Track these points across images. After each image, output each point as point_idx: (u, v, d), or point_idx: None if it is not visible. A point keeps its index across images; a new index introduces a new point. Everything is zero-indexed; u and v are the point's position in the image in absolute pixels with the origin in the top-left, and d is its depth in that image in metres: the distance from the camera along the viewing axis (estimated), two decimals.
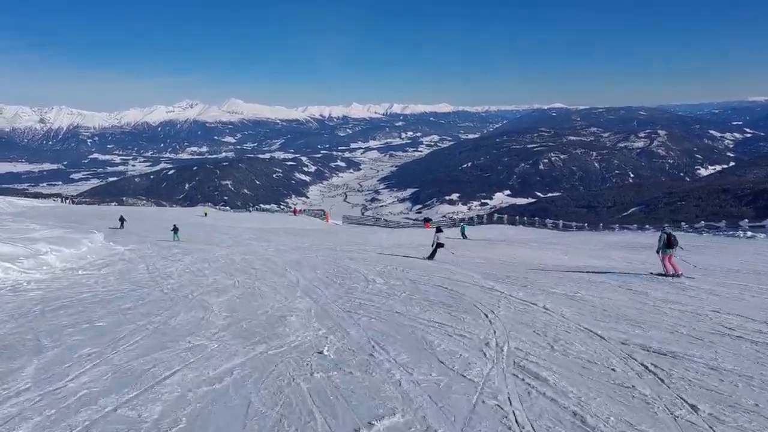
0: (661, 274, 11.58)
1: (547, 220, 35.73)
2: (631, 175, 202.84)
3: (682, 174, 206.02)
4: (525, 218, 35.58)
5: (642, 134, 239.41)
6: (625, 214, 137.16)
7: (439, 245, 16.69)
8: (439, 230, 18.15)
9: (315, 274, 11.96)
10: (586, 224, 34.21)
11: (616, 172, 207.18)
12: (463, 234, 30.78)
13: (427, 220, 44.42)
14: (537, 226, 34.69)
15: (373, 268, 12.86)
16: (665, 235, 11.84)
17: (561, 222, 34.88)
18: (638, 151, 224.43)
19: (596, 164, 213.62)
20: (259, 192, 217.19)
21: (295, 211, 71.60)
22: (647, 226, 30.74)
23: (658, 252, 11.92)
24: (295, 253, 17.76)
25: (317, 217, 54.59)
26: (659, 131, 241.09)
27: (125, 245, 20.61)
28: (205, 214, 64.41)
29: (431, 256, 16.52)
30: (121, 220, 37.80)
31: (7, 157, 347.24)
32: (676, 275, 11.28)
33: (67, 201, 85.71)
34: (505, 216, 37.66)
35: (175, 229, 27.24)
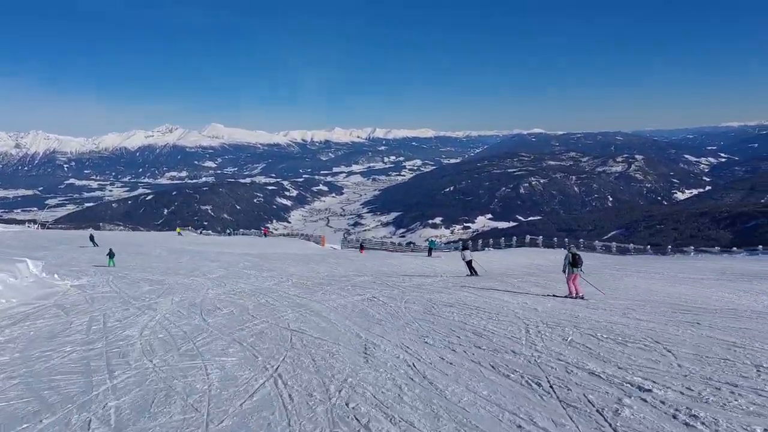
0: (565, 296, 11.10)
1: (596, 242, 29.85)
2: (610, 199, 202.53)
3: (659, 198, 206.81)
4: (565, 239, 29.63)
5: (620, 159, 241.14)
6: (606, 237, 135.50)
7: (469, 262, 17.11)
8: (465, 247, 18.84)
9: (438, 355, 5.63)
10: (648, 246, 28.58)
11: (596, 195, 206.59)
12: (430, 251, 30.15)
13: (362, 247, 39.31)
14: (582, 249, 28.50)
15: (543, 335, 6.65)
16: (570, 255, 11.59)
17: (614, 244, 29.03)
18: (616, 175, 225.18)
19: (576, 188, 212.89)
20: (239, 217, 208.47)
21: (265, 232, 68.49)
22: (736, 249, 25.25)
23: (564, 271, 11.69)
24: (330, 290, 11.51)
25: (311, 241, 48.44)
26: (636, 156, 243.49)
27: (76, 278, 14.12)
28: (179, 233, 58.37)
29: (473, 272, 16.90)
30: (92, 238, 33.82)
31: None
32: (578, 296, 10.99)
33: (36, 226, 77.82)
34: (540, 238, 31.42)
35: (111, 254, 22.12)
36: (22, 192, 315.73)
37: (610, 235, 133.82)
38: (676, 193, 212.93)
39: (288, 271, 17.88)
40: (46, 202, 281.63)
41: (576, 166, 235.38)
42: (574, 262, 11.39)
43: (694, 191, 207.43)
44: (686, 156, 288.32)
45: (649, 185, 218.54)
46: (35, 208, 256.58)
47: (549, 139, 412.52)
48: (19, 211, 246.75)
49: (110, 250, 22.89)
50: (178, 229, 63.71)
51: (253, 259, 23.11)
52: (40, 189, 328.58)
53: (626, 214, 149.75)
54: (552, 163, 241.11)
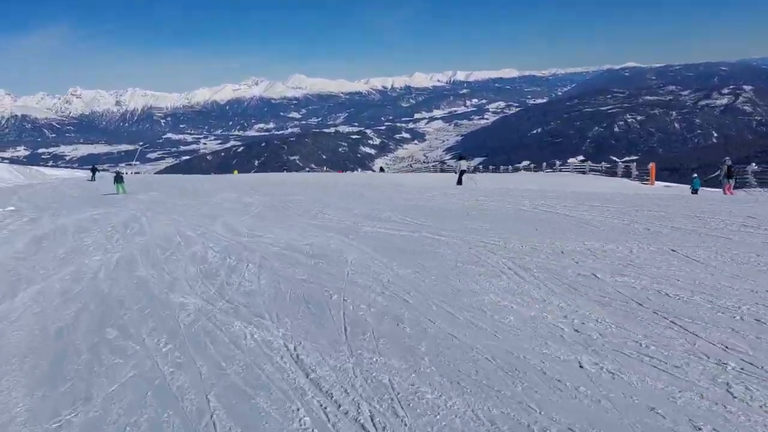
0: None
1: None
2: (715, 135, 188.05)
3: None
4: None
5: (725, 91, 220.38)
6: (713, 175, 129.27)
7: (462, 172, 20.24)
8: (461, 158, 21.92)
9: None
10: None
11: (699, 131, 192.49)
12: (695, 191, 19.49)
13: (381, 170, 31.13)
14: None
15: None
16: (726, 167, 13.88)
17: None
18: (722, 108, 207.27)
19: (676, 125, 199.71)
20: (325, 166, 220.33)
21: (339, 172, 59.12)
22: None
23: (720, 181, 13.81)
24: None
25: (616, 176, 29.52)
26: (744, 87, 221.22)
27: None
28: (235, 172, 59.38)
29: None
30: (93, 170, 31.49)
31: (88, 140, 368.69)
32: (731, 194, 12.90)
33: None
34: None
35: (118, 178, 19.18)
36: (124, 147, 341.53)
37: (717, 173, 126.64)
38: None
39: None
40: (147, 155, 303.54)
41: (676, 101, 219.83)
42: (729, 174, 13.97)
43: None
44: None
45: (759, 118, 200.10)
46: (137, 162, 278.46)
47: (644, 73, 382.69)
48: (122, 165, 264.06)
49: (117, 173, 19.87)
50: (234, 171, 67.50)
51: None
52: (140, 143, 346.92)
53: (735, 149, 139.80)
54: (649, 98, 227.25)
